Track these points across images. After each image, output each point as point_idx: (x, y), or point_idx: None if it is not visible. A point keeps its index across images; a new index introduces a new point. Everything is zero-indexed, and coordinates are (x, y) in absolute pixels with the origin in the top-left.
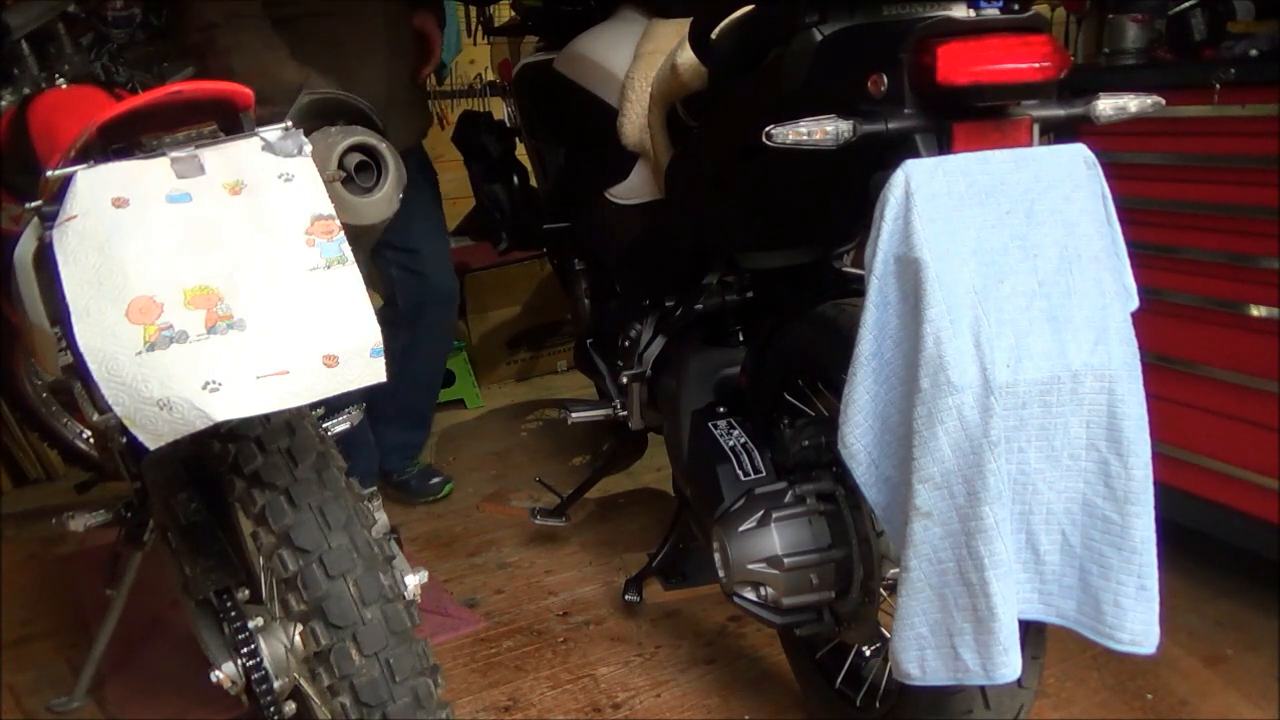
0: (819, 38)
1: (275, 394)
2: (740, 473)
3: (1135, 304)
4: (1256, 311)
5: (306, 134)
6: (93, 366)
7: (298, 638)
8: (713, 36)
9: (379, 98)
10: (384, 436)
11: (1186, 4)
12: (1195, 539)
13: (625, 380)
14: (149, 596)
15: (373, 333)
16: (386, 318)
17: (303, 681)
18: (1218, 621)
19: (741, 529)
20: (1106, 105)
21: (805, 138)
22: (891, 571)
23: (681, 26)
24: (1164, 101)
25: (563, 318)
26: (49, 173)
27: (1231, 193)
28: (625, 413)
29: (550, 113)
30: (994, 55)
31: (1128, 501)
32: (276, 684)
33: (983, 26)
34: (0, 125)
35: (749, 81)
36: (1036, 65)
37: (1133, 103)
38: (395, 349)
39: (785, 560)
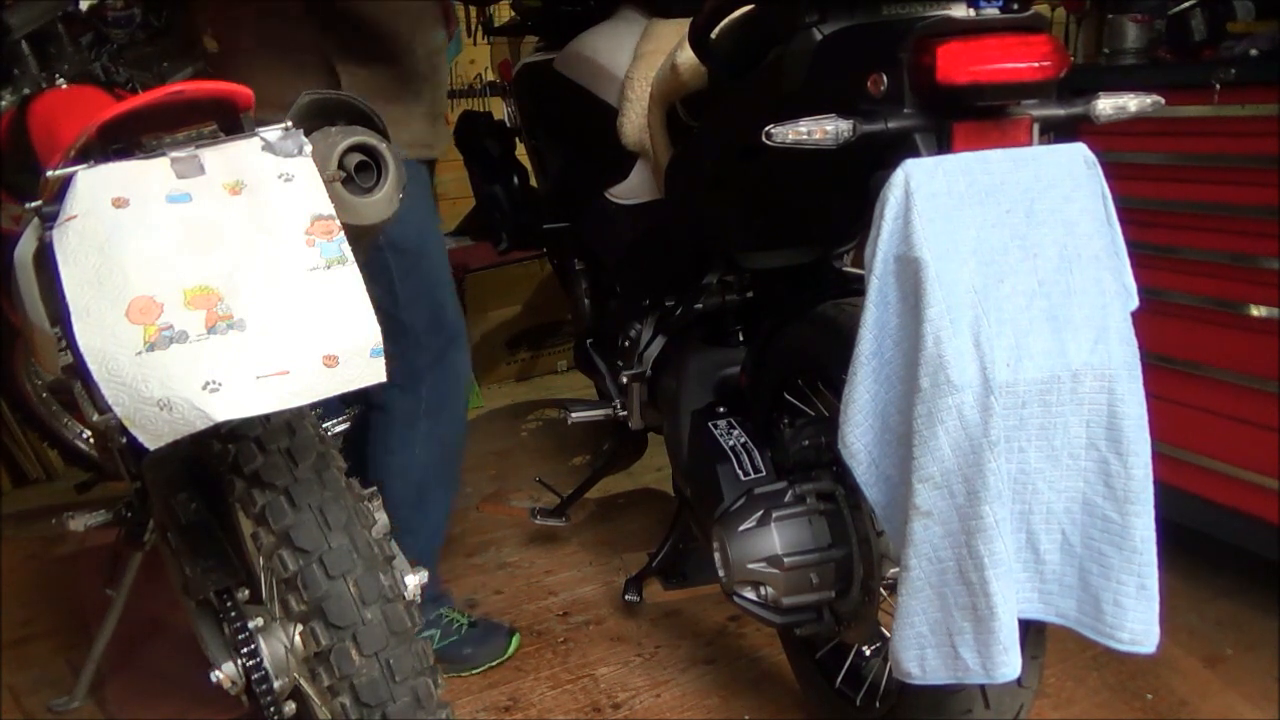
0: (819, 37)
1: (275, 394)
2: (740, 472)
3: (1135, 304)
4: (1256, 311)
5: (306, 134)
6: (93, 366)
7: (298, 638)
8: (713, 36)
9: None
10: None
11: (1186, 4)
12: (1195, 539)
13: (625, 380)
14: (149, 596)
15: (373, 333)
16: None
17: (303, 681)
18: (1218, 621)
19: (741, 529)
20: (1106, 105)
21: (805, 137)
22: (891, 571)
23: (681, 26)
24: (1164, 101)
25: (563, 318)
26: (49, 173)
27: (1231, 193)
28: (625, 413)
29: (550, 113)
30: (994, 55)
31: (1128, 501)
32: (276, 684)
33: (982, 26)
34: (0, 125)
35: (749, 81)
36: (1036, 65)
37: (1133, 102)
38: (414, 424)
39: (785, 560)
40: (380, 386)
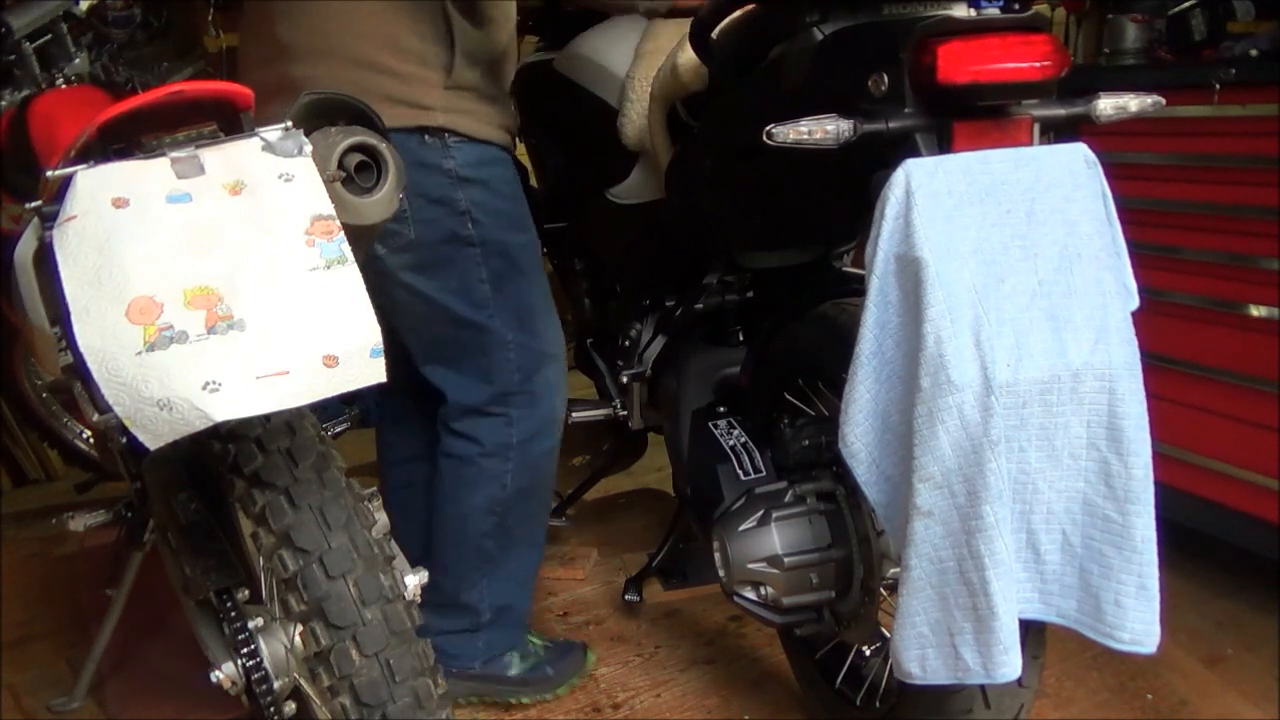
0: (819, 37)
1: (275, 394)
2: (740, 472)
3: (1135, 303)
4: (1256, 311)
5: (306, 134)
6: (93, 367)
7: (298, 638)
8: (713, 36)
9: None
10: (480, 612)
11: (1186, 4)
12: (1195, 539)
13: (625, 380)
14: (149, 596)
15: (373, 333)
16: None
17: (303, 682)
18: (1218, 621)
19: (741, 528)
20: (1106, 105)
21: (806, 137)
22: (892, 571)
23: (681, 26)
24: (1164, 101)
25: (563, 318)
26: (49, 173)
27: (1231, 193)
28: (625, 413)
29: (550, 113)
30: (994, 55)
31: (1128, 501)
32: (276, 684)
33: (983, 26)
34: (0, 125)
35: (749, 81)
36: (1036, 64)
37: (1133, 102)
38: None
39: (785, 560)
40: (456, 412)
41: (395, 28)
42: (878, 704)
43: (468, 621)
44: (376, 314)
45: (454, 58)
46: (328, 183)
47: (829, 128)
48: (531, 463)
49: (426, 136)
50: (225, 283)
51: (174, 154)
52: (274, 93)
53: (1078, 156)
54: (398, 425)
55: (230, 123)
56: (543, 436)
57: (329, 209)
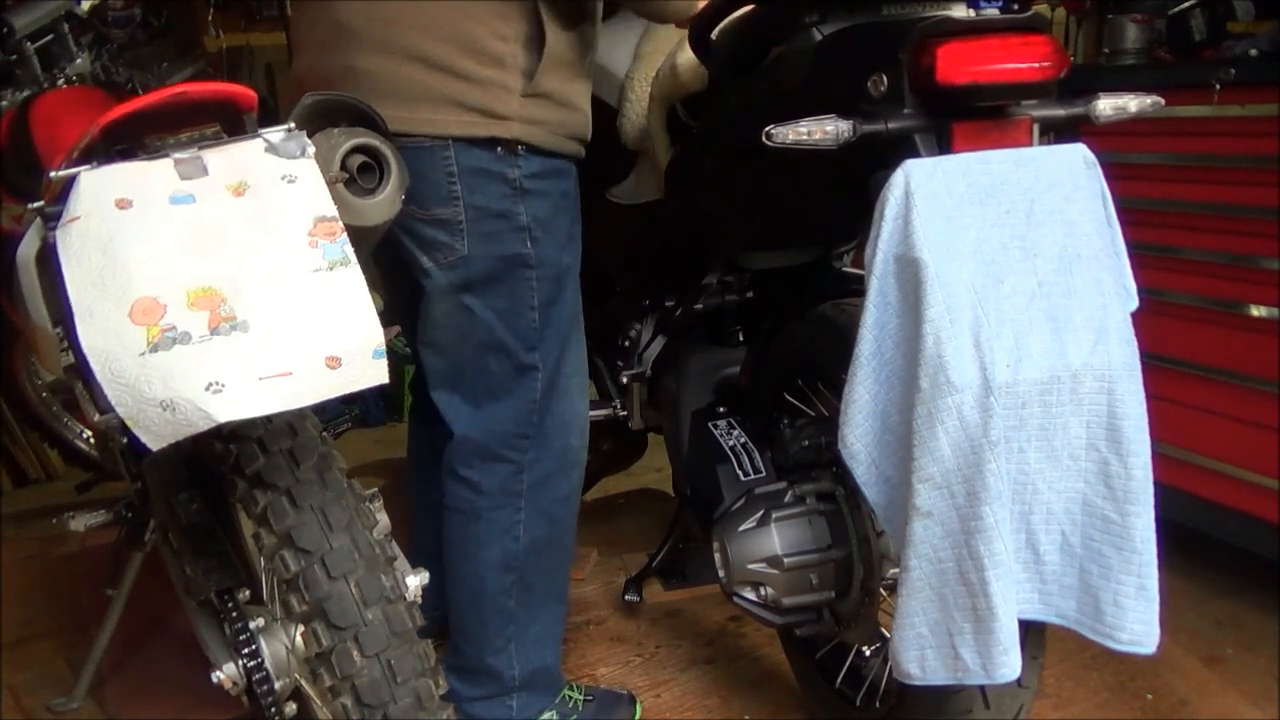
0: (819, 37)
1: (278, 395)
2: (740, 473)
3: (1135, 304)
4: (1256, 311)
5: (309, 135)
6: (95, 367)
7: (299, 638)
8: (713, 37)
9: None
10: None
11: (1186, 4)
12: (1195, 539)
13: (625, 380)
14: (149, 596)
15: (375, 334)
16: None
17: (304, 682)
18: (1218, 621)
19: (741, 529)
20: (1106, 105)
21: (805, 138)
22: (891, 571)
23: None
24: (1164, 101)
25: None
26: (53, 173)
27: (1231, 193)
28: (625, 413)
29: None
30: (993, 55)
31: (1128, 501)
32: (277, 685)
33: (982, 26)
34: (1, 126)
35: (749, 81)
36: (1036, 65)
37: (1133, 103)
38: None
39: (785, 560)
40: (463, 452)
41: (474, 25)
42: (878, 704)
43: (496, 687)
44: (404, 327)
45: (539, 62)
46: (330, 184)
47: (828, 128)
48: (545, 510)
49: (499, 148)
50: (228, 284)
51: (177, 155)
52: (330, 83)
53: (1077, 157)
54: (431, 425)
55: (233, 124)
56: (556, 480)
57: (332, 210)
